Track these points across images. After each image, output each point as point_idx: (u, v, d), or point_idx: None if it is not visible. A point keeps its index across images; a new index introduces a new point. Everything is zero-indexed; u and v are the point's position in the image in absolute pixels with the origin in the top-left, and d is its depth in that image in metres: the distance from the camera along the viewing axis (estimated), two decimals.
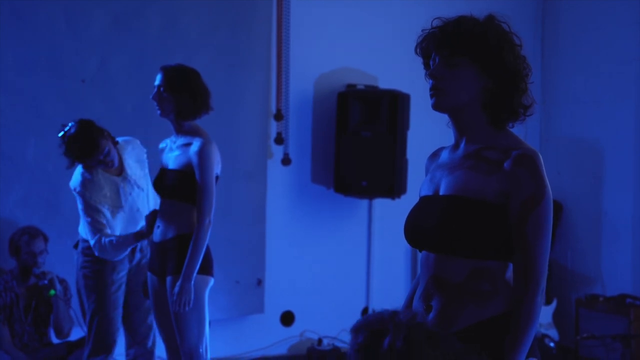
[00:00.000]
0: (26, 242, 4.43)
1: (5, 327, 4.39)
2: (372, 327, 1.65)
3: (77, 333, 4.52)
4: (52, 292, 4.36)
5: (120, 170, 4.00)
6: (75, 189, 3.90)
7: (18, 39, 4.78)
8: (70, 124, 3.86)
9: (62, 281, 4.52)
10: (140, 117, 5.01)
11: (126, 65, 5.04)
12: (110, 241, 3.80)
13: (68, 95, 4.90)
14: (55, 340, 4.54)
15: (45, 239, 4.50)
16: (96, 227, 3.84)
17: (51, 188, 4.87)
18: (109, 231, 3.87)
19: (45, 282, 4.34)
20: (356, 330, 1.69)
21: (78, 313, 4.27)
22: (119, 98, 5.03)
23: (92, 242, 3.85)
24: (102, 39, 4.98)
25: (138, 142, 4.14)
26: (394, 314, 1.65)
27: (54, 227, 4.79)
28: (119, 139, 4.04)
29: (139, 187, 4.03)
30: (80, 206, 3.90)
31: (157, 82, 3.62)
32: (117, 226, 3.94)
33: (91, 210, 3.86)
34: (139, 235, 3.78)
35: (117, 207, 3.93)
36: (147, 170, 4.12)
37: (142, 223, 3.90)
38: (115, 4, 5.04)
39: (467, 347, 1.69)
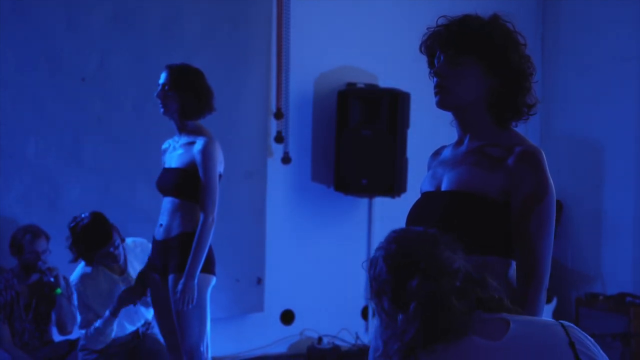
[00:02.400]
0: (29, 241, 4.42)
1: (6, 326, 4.38)
2: (406, 252, 1.66)
3: (78, 331, 4.51)
4: (59, 290, 4.36)
5: (123, 270, 4.04)
6: (73, 283, 4.01)
7: (18, 37, 4.77)
8: (83, 215, 3.92)
9: (63, 278, 4.51)
10: (140, 115, 5.01)
11: (126, 64, 5.04)
12: (96, 328, 3.90)
13: (68, 94, 4.90)
14: (56, 338, 4.53)
15: (47, 238, 4.49)
16: (84, 324, 3.97)
17: (51, 186, 4.87)
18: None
19: (52, 279, 4.34)
20: (392, 241, 1.70)
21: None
22: (119, 96, 5.03)
23: (82, 334, 4.00)
24: (102, 37, 4.98)
25: (149, 245, 4.04)
26: (431, 246, 1.66)
27: (54, 225, 4.78)
28: (130, 240, 4.11)
29: None
30: (74, 301, 4.02)
31: (161, 81, 3.62)
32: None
33: (82, 307, 3.98)
34: (114, 313, 3.86)
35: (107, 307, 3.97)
36: None
37: (138, 321, 4.06)
38: (115, 2, 5.03)
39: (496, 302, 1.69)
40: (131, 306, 3.91)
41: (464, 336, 1.58)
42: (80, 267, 4.01)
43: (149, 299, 3.83)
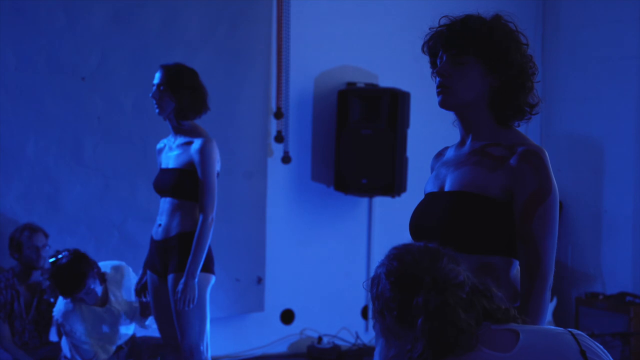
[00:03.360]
0: (28, 236, 4.43)
1: (6, 325, 4.39)
2: (407, 272, 1.63)
3: None
4: None
5: (104, 301, 4.03)
6: (56, 319, 4.01)
7: (18, 36, 4.77)
8: (63, 253, 3.92)
9: None
10: (140, 115, 5.01)
11: (126, 63, 5.03)
12: None
13: (68, 93, 4.90)
14: (55, 339, 4.54)
15: (46, 235, 4.50)
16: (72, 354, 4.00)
17: (51, 184, 4.87)
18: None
19: (52, 299, 4.35)
20: (393, 258, 1.67)
21: None
22: (118, 95, 5.03)
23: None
24: (102, 36, 4.98)
25: (130, 269, 4.11)
26: (434, 260, 1.63)
27: (54, 224, 4.80)
28: (109, 266, 4.06)
29: (122, 317, 4.07)
30: (57, 336, 4.09)
31: (156, 81, 3.61)
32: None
33: (67, 338, 3.99)
34: None
35: (96, 338, 3.98)
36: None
37: (120, 340, 4.09)
38: (115, 2, 5.03)
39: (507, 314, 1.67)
40: (108, 329, 3.95)
41: (474, 349, 1.56)
42: (62, 303, 4.01)
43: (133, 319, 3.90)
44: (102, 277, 4.01)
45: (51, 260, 3.93)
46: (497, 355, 1.56)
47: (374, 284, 1.67)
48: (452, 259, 1.66)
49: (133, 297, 4.00)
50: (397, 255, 1.66)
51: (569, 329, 1.67)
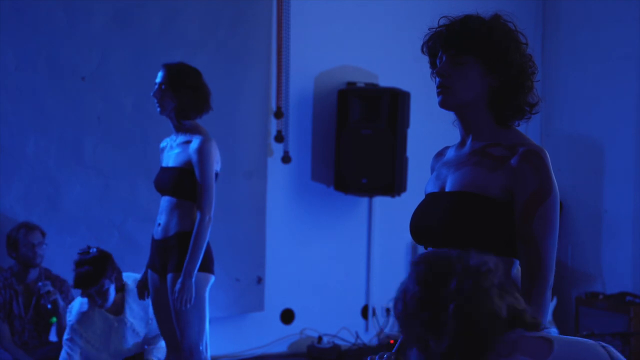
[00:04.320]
0: (24, 234, 4.43)
1: (5, 325, 4.39)
2: (437, 265, 1.59)
3: None
4: (54, 319, 4.40)
5: (119, 311, 4.00)
6: (70, 323, 3.98)
7: (18, 36, 4.77)
8: (92, 250, 3.91)
9: (63, 282, 4.52)
10: (140, 114, 5.02)
11: (126, 63, 5.04)
12: None
13: (68, 93, 4.90)
14: (55, 339, 4.54)
15: (42, 234, 4.50)
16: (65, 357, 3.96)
17: (51, 184, 4.87)
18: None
19: (49, 305, 4.35)
20: (418, 262, 1.62)
21: None
22: (118, 95, 5.03)
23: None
24: (102, 36, 4.98)
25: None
26: (462, 256, 1.60)
27: (54, 223, 4.80)
28: (131, 279, 4.03)
29: (134, 331, 4.03)
30: (65, 335, 4.00)
31: (158, 80, 3.61)
32: None
33: (70, 343, 3.94)
34: None
35: (101, 345, 3.95)
36: (151, 314, 4.00)
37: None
38: (115, 2, 5.03)
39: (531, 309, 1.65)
40: (117, 339, 3.95)
41: (510, 356, 1.54)
42: (78, 303, 4.01)
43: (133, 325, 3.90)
44: (122, 286, 4.00)
45: (80, 251, 3.93)
46: None
47: (402, 294, 1.61)
48: (479, 253, 1.62)
49: (150, 314, 3.97)
50: (420, 261, 1.62)
51: (600, 342, 1.66)
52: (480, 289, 1.54)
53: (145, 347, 4.06)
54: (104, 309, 3.96)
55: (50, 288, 4.36)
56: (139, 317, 4.03)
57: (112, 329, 3.96)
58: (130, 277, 4.06)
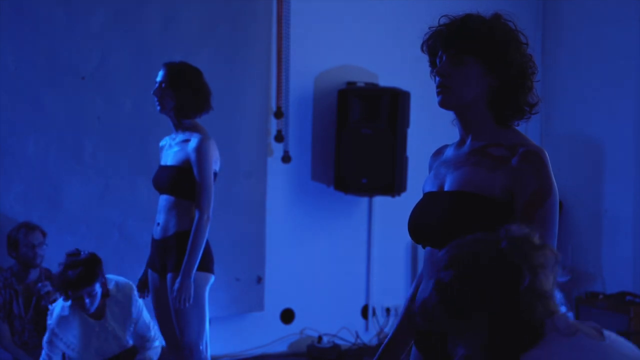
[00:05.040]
0: (24, 234, 4.43)
1: (5, 324, 4.39)
2: (470, 249, 1.61)
3: None
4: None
5: (100, 316, 3.86)
6: (50, 326, 3.87)
7: (18, 35, 4.77)
8: (83, 252, 3.80)
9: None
10: (140, 114, 5.02)
11: (126, 62, 5.04)
12: None
13: (68, 92, 4.90)
14: None
15: (43, 234, 4.50)
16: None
17: (51, 184, 4.87)
18: None
19: (49, 306, 4.32)
20: (443, 268, 1.63)
21: None
22: (118, 95, 5.03)
23: None
24: (102, 36, 4.98)
25: (132, 289, 3.92)
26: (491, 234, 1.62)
27: (54, 223, 4.80)
28: (112, 283, 3.90)
29: (115, 336, 3.90)
30: (45, 337, 3.87)
31: (159, 78, 3.62)
32: None
33: (50, 345, 3.83)
34: None
35: (82, 349, 3.84)
36: (134, 317, 3.92)
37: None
38: (115, 1, 5.03)
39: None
40: (97, 344, 3.88)
41: (574, 335, 1.57)
42: (59, 307, 3.87)
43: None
44: (107, 291, 3.87)
45: (69, 253, 3.86)
46: (594, 342, 1.58)
47: (425, 304, 1.62)
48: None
49: (134, 315, 3.89)
50: (447, 261, 1.63)
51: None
52: (523, 250, 1.59)
53: (139, 347, 4.02)
54: (87, 314, 3.85)
55: (50, 288, 4.35)
56: (120, 321, 3.92)
57: (94, 333, 3.86)
58: (112, 281, 3.94)
